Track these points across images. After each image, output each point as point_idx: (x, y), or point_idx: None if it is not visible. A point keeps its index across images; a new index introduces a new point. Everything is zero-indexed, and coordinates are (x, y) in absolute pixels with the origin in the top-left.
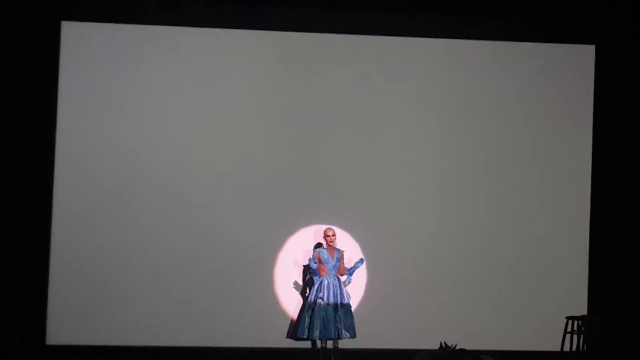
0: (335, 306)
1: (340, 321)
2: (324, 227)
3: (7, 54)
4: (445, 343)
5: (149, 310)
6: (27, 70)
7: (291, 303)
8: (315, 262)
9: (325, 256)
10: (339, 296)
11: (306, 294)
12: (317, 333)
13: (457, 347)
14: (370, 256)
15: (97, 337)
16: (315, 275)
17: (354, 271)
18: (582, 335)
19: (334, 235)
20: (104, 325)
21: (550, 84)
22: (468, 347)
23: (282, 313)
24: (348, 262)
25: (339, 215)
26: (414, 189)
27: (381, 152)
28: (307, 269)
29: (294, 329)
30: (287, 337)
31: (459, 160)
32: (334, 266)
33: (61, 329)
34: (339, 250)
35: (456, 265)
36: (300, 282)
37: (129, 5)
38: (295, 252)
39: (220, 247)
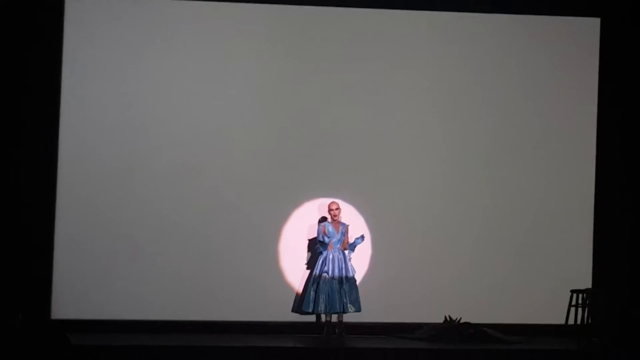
0: (340, 280)
1: (345, 295)
2: (329, 200)
3: (11, 30)
4: (449, 316)
5: (153, 285)
6: (31, 47)
7: (296, 277)
8: (326, 237)
9: (330, 229)
10: (343, 270)
11: (312, 268)
12: (322, 307)
13: (461, 321)
14: (375, 230)
15: (102, 311)
16: (325, 249)
17: (354, 247)
18: (586, 309)
19: (337, 209)
20: (109, 300)
21: (554, 58)
22: (472, 321)
23: (287, 287)
24: (351, 238)
25: (344, 189)
26: (418, 164)
27: (386, 127)
28: (312, 243)
29: (299, 303)
30: (293, 311)
31: (462, 134)
32: (339, 240)
33: (66, 303)
34: (344, 224)
35: (461, 239)
36: (307, 256)
37: None
38: (300, 226)
39: (225, 221)
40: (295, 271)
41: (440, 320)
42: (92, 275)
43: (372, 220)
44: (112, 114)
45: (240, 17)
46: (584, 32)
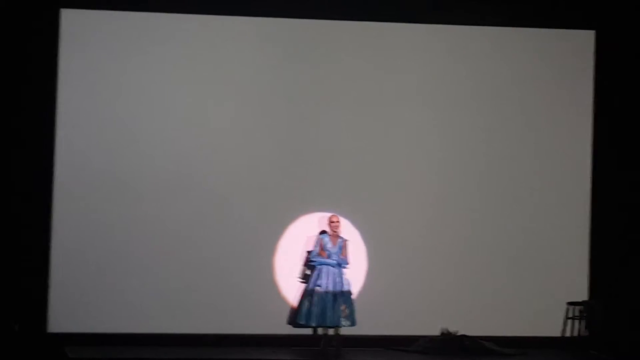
0: (335, 294)
1: (339, 309)
2: (324, 214)
3: (6, 42)
4: (446, 329)
5: (149, 298)
6: (26, 59)
7: (291, 290)
8: (316, 247)
9: (328, 243)
10: (339, 284)
11: (307, 281)
12: (315, 320)
13: (458, 333)
14: (371, 243)
15: (98, 324)
16: (314, 258)
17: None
18: (583, 321)
19: (338, 222)
20: (105, 313)
21: (550, 71)
22: (469, 333)
23: (282, 300)
24: (350, 254)
25: (339, 203)
26: (414, 177)
27: (382, 140)
28: (307, 256)
29: (294, 316)
30: (287, 323)
31: (458, 147)
32: (335, 253)
33: (62, 317)
34: (342, 238)
35: (457, 252)
36: (302, 269)
37: None
38: (295, 239)
39: (221, 234)
40: (290, 284)
41: (437, 332)
42: (89, 289)
43: (368, 234)
44: (109, 126)
45: (235, 31)
46: (579, 45)
